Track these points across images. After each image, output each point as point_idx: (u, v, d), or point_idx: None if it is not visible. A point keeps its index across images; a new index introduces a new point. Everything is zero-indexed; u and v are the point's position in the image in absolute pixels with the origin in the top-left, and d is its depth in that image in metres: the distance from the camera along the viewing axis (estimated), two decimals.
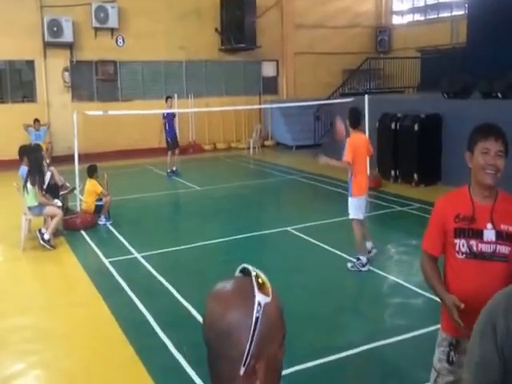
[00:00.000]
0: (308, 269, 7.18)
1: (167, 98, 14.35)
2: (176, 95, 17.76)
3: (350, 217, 6.98)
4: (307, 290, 6.47)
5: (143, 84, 18.24)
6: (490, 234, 2.75)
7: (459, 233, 2.80)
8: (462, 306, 2.61)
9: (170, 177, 13.90)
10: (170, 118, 14.00)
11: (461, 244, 2.80)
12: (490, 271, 2.75)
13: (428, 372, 3.08)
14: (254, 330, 1.16)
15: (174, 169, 14.18)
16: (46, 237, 7.88)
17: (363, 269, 6.84)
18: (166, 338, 5.14)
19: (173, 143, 14.17)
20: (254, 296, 1.18)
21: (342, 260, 7.32)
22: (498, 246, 2.74)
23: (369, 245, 7.29)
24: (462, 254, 2.80)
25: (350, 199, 6.99)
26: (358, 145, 6.85)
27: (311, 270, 7.16)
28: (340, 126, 7.37)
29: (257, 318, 1.16)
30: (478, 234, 2.76)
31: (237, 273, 1.31)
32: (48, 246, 7.88)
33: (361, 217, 6.97)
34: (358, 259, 6.89)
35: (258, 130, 18.75)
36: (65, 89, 16.83)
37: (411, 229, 8.89)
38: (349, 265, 6.96)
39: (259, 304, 1.17)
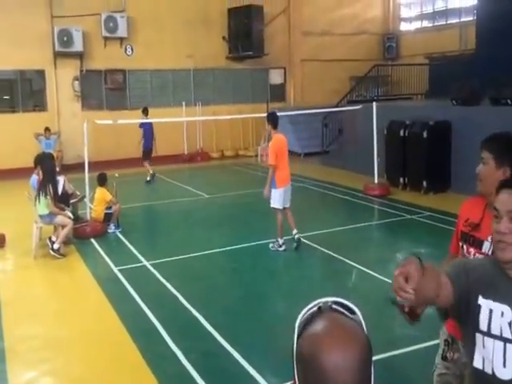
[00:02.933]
0: (316, 277, 7.20)
1: (144, 109, 14.59)
2: (184, 103, 17.91)
3: (271, 205, 8.06)
4: (313, 295, 6.47)
5: (151, 92, 18.37)
6: (488, 246, 2.69)
7: (463, 237, 2.83)
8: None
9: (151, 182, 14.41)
10: (147, 129, 14.28)
11: (464, 249, 2.83)
12: None
13: None
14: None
15: (148, 178, 14.52)
16: (56, 246, 7.94)
17: (280, 249, 7.98)
18: (175, 346, 5.17)
19: (147, 153, 14.51)
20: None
21: (351, 268, 7.33)
22: None
23: (294, 231, 8.04)
24: (463, 257, 2.82)
25: (273, 191, 7.96)
26: (279, 145, 7.98)
27: (319, 279, 7.18)
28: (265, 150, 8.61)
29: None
30: (478, 244, 2.74)
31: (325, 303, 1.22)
32: (58, 256, 7.95)
33: (280, 207, 7.97)
34: (277, 241, 8.01)
35: (265, 137, 18.77)
36: (75, 98, 16.98)
37: (421, 237, 8.88)
38: (270, 245, 8.10)
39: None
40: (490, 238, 2.73)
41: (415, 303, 1.82)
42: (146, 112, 14.57)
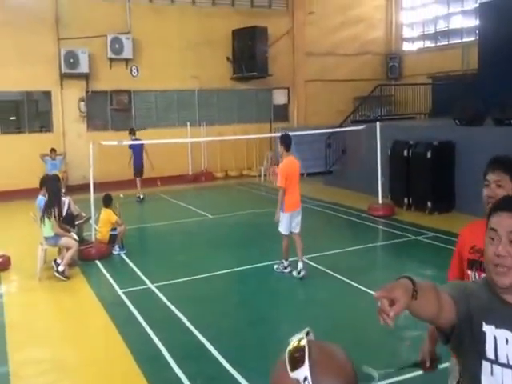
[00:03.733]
0: (322, 300, 7.16)
1: (131, 130, 14.85)
2: (189, 123, 18.03)
3: (279, 229, 7.87)
4: (321, 322, 6.46)
5: (156, 113, 18.50)
6: None
7: (472, 264, 2.78)
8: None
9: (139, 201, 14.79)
10: (136, 149, 14.60)
11: (473, 276, 2.78)
12: None
13: None
14: None
15: (142, 196, 14.93)
16: (61, 268, 7.95)
17: (285, 270, 7.88)
18: (180, 371, 5.14)
19: (139, 171, 14.94)
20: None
21: (356, 291, 7.31)
22: None
23: (300, 265, 7.74)
24: None
25: (281, 214, 7.75)
26: (289, 168, 7.80)
27: (324, 301, 7.15)
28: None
29: None
30: None
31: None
32: (63, 278, 7.95)
33: (286, 232, 7.81)
34: (282, 262, 7.93)
35: (269, 157, 18.84)
36: (80, 118, 17.10)
37: (426, 259, 8.85)
38: (275, 266, 8.02)
39: None
40: None
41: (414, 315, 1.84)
42: (132, 132, 14.87)
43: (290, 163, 7.84)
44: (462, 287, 2.05)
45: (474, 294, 1.99)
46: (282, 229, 7.82)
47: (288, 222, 7.78)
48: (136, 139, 14.48)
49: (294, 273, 7.77)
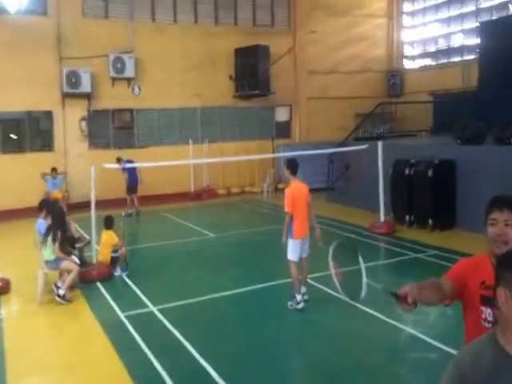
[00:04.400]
0: (325, 322, 7.12)
1: (117, 159, 14.89)
2: (191, 141, 18.08)
3: (288, 257, 7.54)
4: (323, 346, 6.42)
5: (159, 131, 18.56)
6: None
7: (486, 301, 2.74)
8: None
9: (128, 216, 15.10)
10: (131, 171, 15.09)
11: (487, 313, 2.75)
12: None
13: None
14: None
15: (130, 211, 15.38)
16: (61, 292, 7.92)
17: (298, 306, 7.43)
18: None
19: (132, 189, 15.40)
20: None
21: (359, 312, 7.26)
22: None
23: (303, 289, 7.56)
24: (489, 322, 2.74)
25: (290, 241, 7.47)
26: (296, 193, 7.50)
27: (326, 323, 7.11)
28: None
29: None
30: None
31: None
32: (63, 302, 7.92)
33: (296, 259, 7.50)
34: (294, 297, 7.48)
35: (271, 174, 18.88)
36: (82, 137, 17.16)
37: (428, 277, 8.53)
38: (288, 303, 7.53)
39: None
40: None
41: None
42: (119, 161, 14.79)
43: (296, 188, 7.56)
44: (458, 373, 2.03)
45: (475, 366, 1.97)
46: (292, 255, 7.50)
47: (298, 249, 7.49)
48: (130, 161, 14.61)
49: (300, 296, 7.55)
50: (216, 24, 19.34)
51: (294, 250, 7.49)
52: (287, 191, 7.55)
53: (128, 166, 13.91)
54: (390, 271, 9.84)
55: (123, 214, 15.07)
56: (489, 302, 2.73)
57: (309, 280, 8.02)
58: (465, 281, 2.85)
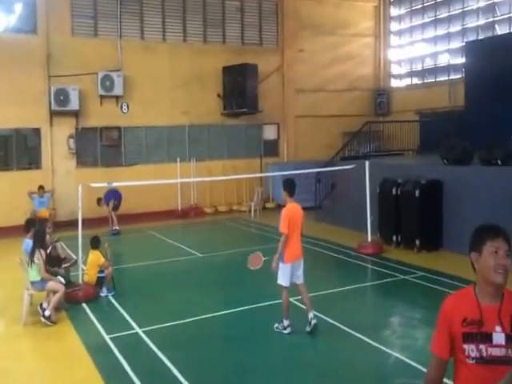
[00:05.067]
0: (310, 344, 7.10)
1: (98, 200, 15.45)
2: (178, 159, 18.09)
3: (278, 282, 7.35)
4: (310, 367, 6.39)
5: (146, 149, 18.54)
6: (499, 337, 2.68)
7: (468, 337, 2.73)
8: None
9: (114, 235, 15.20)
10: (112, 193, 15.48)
11: (470, 349, 2.72)
12: (501, 376, 2.59)
13: None
14: None
15: (117, 228, 15.39)
16: (47, 313, 7.84)
17: (285, 331, 7.31)
18: None
19: (116, 205, 15.64)
20: None
21: (345, 335, 7.26)
22: (509, 350, 2.68)
23: (310, 315, 7.33)
24: (472, 359, 2.72)
25: (280, 265, 7.25)
26: (292, 214, 7.29)
27: (314, 346, 7.09)
28: (257, 257, 7.73)
29: None
30: (488, 338, 2.69)
31: None
32: (49, 323, 7.84)
33: (286, 284, 7.28)
34: (282, 322, 7.38)
35: (259, 192, 18.88)
36: (69, 155, 17.08)
37: (415, 300, 8.83)
38: (275, 325, 7.43)
39: None
40: (497, 328, 2.68)
41: None
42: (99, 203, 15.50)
43: (293, 209, 7.32)
44: None
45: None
46: (282, 280, 7.26)
47: (289, 273, 7.23)
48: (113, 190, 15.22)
49: (307, 328, 7.27)
50: (204, 42, 19.45)
51: (284, 275, 7.25)
52: (284, 211, 7.29)
53: (116, 184, 13.96)
54: (377, 293, 9.85)
55: (109, 232, 15.08)
56: (471, 338, 2.73)
57: (295, 301, 7.99)
58: (450, 329, 2.79)
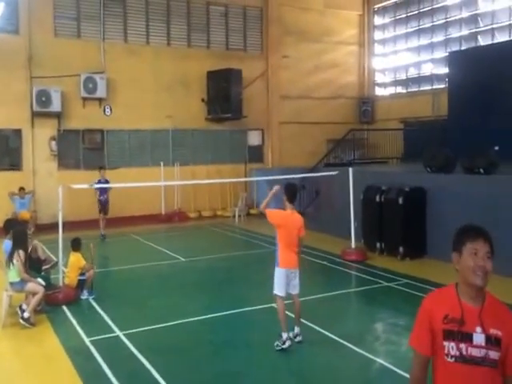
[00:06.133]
0: (294, 351, 7.00)
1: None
2: (162, 163, 17.97)
3: (274, 291, 6.97)
4: (293, 373, 6.33)
5: (129, 152, 18.40)
6: (479, 337, 2.67)
7: (448, 335, 2.71)
8: None
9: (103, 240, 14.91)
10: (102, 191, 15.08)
11: (450, 347, 2.70)
12: (480, 377, 2.66)
13: None
14: None
15: (103, 233, 15.12)
16: (26, 315, 7.68)
17: (284, 346, 6.79)
18: None
19: (104, 208, 15.28)
20: None
21: (330, 341, 7.20)
22: (488, 351, 2.66)
23: (296, 330, 7.09)
24: (452, 357, 2.70)
25: (276, 270, 6.95)
26: (288, 221, 6.91)
27: (298, 353, 6.99)
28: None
29: None
30: (468, 338, 2.67)
31: None
32: (28, 325, 7.68)
33: (282, 294, 6.91)
34: (280, 337, 6.84)
35: (243, 198, 18.82)
36: (51, 157, 16.89)
37: (399, 306, 8.81)
38: (275, 344, 6.87)
39: None
40: (477, 329, 2.66)
41: None
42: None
43: (290, 216, 6.96)
44: None
45: None
46: (277, 289, 6.92)
47: (284, 281, 6.91)
48: (105, 181, 14.54)
49: (290, 334, 6.99)
50: (189, 46, 19.41)
51: (279, 281, 6.92)
52: (279, 211, 7.00)
53: (97, 186, 13.79)
54: (361, 300, 9.81)
55: (100, 235, 14.87)
56: (452, 336, 2.70)
57: (275, 305, 7.87)
58: (431, 325, 2.76)
